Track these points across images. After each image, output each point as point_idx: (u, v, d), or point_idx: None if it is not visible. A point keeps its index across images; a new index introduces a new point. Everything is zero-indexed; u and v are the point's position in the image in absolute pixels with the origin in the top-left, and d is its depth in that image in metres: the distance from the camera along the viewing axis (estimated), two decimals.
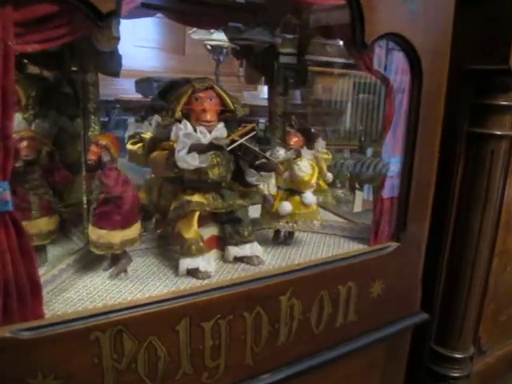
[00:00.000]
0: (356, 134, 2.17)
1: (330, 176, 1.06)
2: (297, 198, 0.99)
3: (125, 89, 2.22)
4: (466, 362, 1.55)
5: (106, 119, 2.08)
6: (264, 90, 2.14)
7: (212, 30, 2.02)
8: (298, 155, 0.98)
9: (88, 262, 0.83)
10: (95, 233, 0.75)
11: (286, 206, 0.97)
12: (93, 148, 0.73)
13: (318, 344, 0.93)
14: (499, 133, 1.29)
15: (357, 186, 1.74)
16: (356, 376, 1.05)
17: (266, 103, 1.95)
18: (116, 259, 0.80)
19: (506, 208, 1.64)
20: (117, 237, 0.76)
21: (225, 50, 2.28)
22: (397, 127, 0.95)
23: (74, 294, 0.74)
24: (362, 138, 2.11)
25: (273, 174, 0.91)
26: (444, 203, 1.40)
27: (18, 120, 0.87)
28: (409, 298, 1.09)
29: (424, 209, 1.04)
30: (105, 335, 0.66)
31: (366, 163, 1.84)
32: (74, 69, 0.87)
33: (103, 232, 0.75)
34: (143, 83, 2.00)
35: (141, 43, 2.55)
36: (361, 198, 2.01)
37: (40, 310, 0.65)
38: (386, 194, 0.98)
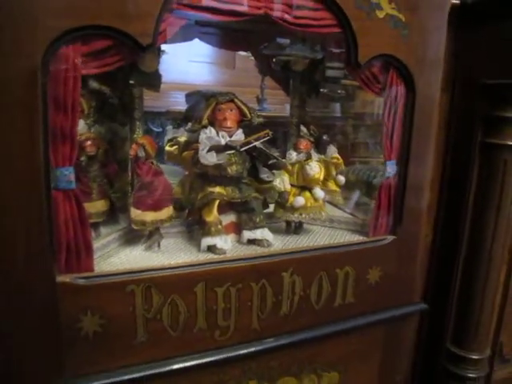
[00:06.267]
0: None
1: (341, 179, 1.22)
2: (307, 193, 1.17)
3: (178, 101, 2.42)
4: (482, 364, 1.63)
5: (160, 130, 2.24)
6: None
7: None
8: (309, 157, 1.16)
9: (130, 237, 1.05)
10: (133, 212, 0.96)
11: (300, 200, 1.14)
12: (133, 146, 0.95)
13: (318, 319, 1.08)
14: None
15: None
16: (358, 354, 1.19)
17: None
18: (150, 235, 1.01)
19: None
20: (148, 216, 0.97)
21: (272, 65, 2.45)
22: (393, 134, 1.10)
23: (117, 259, 0.95)
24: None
25: (282, 171, 1.08)
26: (460, 208, 1.52)
27: (81, 125, 1.11)
28: (406, 288, 1.22)
29: (419, 206, 1.17)
30: (138, 288, 0.86)
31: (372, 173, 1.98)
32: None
33: (138, 212, 0.96)
34: (192, 96, 2.20)
35: (195, 58, 2.73)
36: None
37: (91, 265, 0.86)
38: (383, 192, 1.13)
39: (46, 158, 0.76)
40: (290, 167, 1.11)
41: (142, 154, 0.98)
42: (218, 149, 0.98)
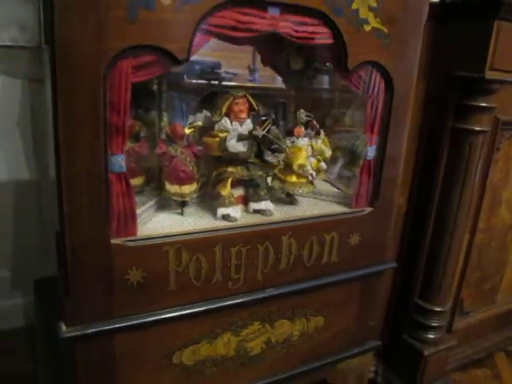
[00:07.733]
0: None
1: (322, 165, 1.46)
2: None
3: None
4: (444, 315, 1.95)
5: None
6: None
7: None
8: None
9: (159, 206, 1.28)
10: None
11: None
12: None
13: (309, 273, 1.35)
14: (477, 129, 1.65)
15: None
16: (339, 302, 1.47)
17: None
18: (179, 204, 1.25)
19: (491, 190, 2.00)
20: (166, 186, 1.22)
21: None
22: (374, 124, 1.34)
23: (151, 225, 1.19)
24: None
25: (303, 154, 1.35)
26: (431, 183, 1.78)
27: None
28: (381, 250, 1.48)
29: (393, 185, 1.42)
30: (171, 248, 1.11)
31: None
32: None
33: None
34: None
35: None
36: None
37: (135, 230, 1.09)
38: (364, 171, 1.38)
39: (105, 148, 0.98)
40: (308, 149, 1.37)
41: (162, 136, 1.21)
42: (244, 138, 1.21)
